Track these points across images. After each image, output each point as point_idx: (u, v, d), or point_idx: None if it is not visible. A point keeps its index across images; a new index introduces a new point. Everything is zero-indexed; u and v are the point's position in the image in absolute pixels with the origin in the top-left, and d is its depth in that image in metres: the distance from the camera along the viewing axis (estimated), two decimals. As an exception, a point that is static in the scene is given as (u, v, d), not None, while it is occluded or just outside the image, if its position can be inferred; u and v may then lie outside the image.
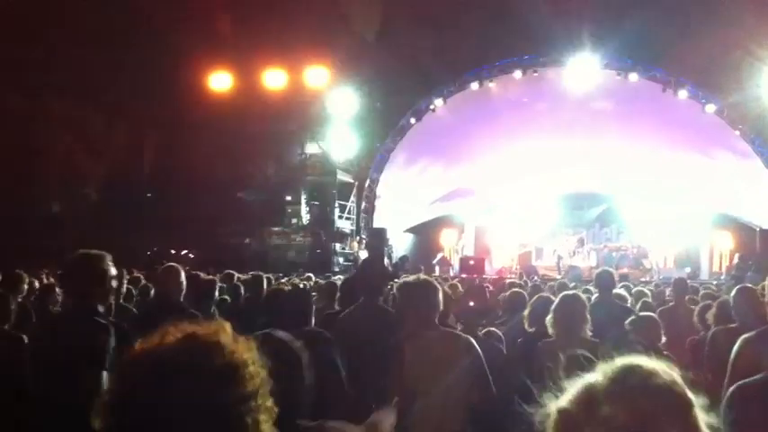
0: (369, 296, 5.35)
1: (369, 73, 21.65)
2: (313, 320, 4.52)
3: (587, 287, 8.64)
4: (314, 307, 4.77)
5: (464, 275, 20.05)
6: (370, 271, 6.49)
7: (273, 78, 22.37)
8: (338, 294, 6.16)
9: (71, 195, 21.12)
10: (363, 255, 21.99)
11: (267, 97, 22.21)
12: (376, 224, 24.93)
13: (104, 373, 3.31)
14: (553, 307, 4.72)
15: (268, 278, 8.49)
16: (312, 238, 23.34)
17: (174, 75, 20.41)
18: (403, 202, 26.03)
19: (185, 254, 22.55)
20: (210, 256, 19.73)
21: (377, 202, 25.37)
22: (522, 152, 23.90)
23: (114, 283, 3.88)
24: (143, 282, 8.22)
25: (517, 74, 21.90)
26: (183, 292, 5.38)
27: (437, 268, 24.13)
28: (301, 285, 9.14)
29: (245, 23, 20.14)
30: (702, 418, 1.14)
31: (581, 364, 1.26)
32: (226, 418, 1.29)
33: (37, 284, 7.93)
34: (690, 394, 1.15)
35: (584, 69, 21.44)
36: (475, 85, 22.46)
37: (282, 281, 11.04)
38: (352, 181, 24.85)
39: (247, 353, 1.37)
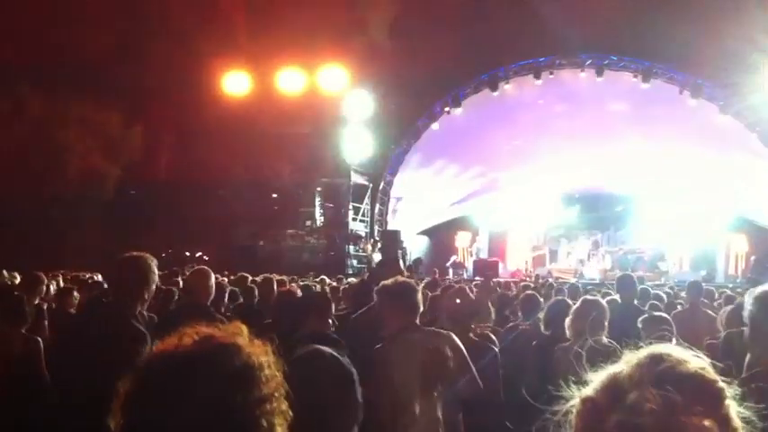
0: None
1: (384, 75, 21.62)
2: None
3: (607, 290, 8.57)
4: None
5: (478, 278, 19.98)
6: (385, 273, 6.48)
7: (289, 80, 22.44)
8: (351, 294, 6.14)
9: (87, 196, 21.23)
10: (377, 257, 21.94)
11: (283, 99, 22.26)
12: (390, 226, 24.94)
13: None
14: (572, 310, 4.71)
15: (281, 280, 8.48)
16: (326, 240, 23.35)
17: (190, 76, 20.52)
18: (417, 204, 26.01)
19: (200, 256, 22.63)
20: (225, 258, 19.77)
21: (391, 205, 25.37)
22: (538, 154, 23.82)
23: (154, 288, 3.92)
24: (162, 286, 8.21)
25: (533, 76, 21.86)
26: (212, 296, 5.28)
27: (451, 271, 24.05)
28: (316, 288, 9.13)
29: (261, 25, 20.23)
30: (735, 408, 1.08)
31: (604, 355, 1.22)
32: (241, 419, 1.29)
33: (54, 286, 7.99)
34: (722, 383, 1.09)
35: (599, 71, 21.35)
36: (491, 87, 22.41)
37: (292, 285, 11.04)
38: (366, 183, 24.84)
39: (264, 355, 1.37)
